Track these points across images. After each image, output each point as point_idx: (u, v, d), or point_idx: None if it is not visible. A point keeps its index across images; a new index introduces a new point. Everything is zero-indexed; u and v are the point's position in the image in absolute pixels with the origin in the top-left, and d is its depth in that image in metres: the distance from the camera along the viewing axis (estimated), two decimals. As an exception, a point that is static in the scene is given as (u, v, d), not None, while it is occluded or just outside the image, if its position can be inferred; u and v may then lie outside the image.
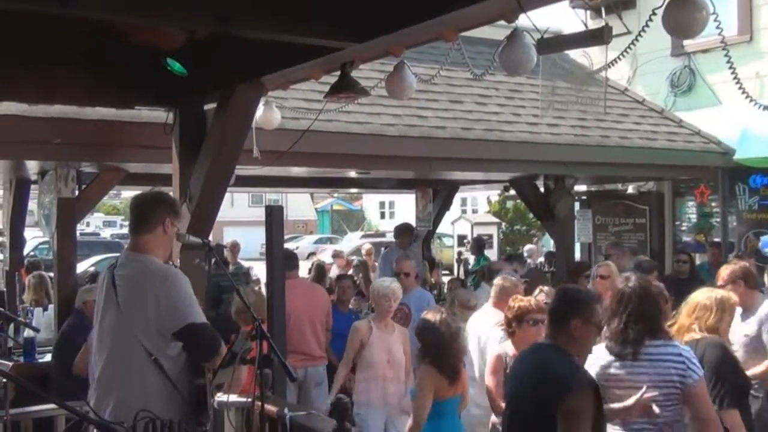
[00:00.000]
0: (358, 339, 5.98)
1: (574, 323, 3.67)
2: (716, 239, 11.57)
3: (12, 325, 7.07)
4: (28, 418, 4.72)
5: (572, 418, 3.44)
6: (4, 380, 4.22)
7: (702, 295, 4.65)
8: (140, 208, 3.98)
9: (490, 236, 23.57)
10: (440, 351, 4.90)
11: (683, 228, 12.85)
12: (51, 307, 7.99)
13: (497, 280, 6.04)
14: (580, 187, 12.97)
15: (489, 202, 28.40)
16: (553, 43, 4.21)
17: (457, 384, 4.93)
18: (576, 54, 10.30)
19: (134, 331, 3.72)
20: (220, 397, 4.50)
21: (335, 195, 47.17)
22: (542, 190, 10.48)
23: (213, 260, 4.09)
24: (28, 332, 6.93)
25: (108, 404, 3.73)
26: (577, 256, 12.22)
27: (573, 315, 3.69)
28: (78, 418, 2.51)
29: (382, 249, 14.68)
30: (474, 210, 36.64)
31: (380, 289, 6.12)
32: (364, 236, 36.65)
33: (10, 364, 6.49)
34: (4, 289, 9.11)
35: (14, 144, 6.15)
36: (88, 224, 43.14)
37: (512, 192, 12.42)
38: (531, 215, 20.42)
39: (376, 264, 12.34)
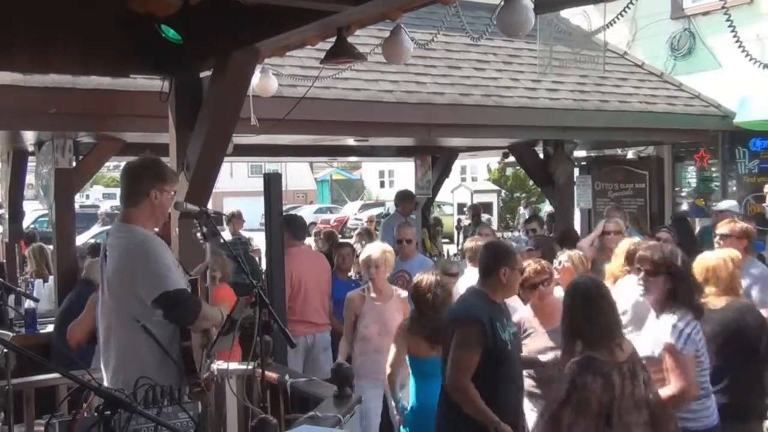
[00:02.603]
0: (352, 310, 5.93)
1: (502, 271, 4.33)
2: (722, 208, 11.48)
3: (13, 297, 7.07)
4: (30, 387, 4.74)
5: (456, 347, 4.19)
6: (5, 350, 4.22)
7: (707, 259, 4.66)
8: (127, 179, 3.98)
9: (491, 203, 23.55)
10: (428, 311, 4.95)
11: (683, 193, 12.83)
12: (51, 278, 8.01)
13: (467, 242, 6.30)
14: (580, 153, 12.94)
15: (488, 169, 28.36)
16: (552, 2, 4.17)
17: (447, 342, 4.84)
18: (575, 17, 10.20)
19: (121, 299, 3.80)
20: (221, 364, 4.54)
21: (334, 164, 47.12)
22: (541, 156, 10.44)
23: (208, 228, 4.06)
24: (29, 303, 6.95)
25: (109, 372, 3.79)
26: (577, 221, 12.21)
27: (501, 264, 4.34)
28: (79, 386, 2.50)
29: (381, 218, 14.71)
30: (473, 178, 36.55)
31: (364, 257, 6.09)
32: (363, 205, 36.64)
33: (12, 334, 6.50)
34: (4, 261, 9.12)
35: (9, 114, 6.11)
36: (87, 197, 43.14)
37: (511, 159, 12.39)
38: (531, 182, 20.40)
39: (376, 232, 12.35)
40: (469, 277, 5.87)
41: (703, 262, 4.64)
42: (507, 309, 4.65)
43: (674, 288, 4.04)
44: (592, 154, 13.56)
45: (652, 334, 4.08)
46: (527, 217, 13.61)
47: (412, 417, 4.95)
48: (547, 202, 13.02)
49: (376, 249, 6.07)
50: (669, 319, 3.99)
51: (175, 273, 3.82)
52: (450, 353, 4.24)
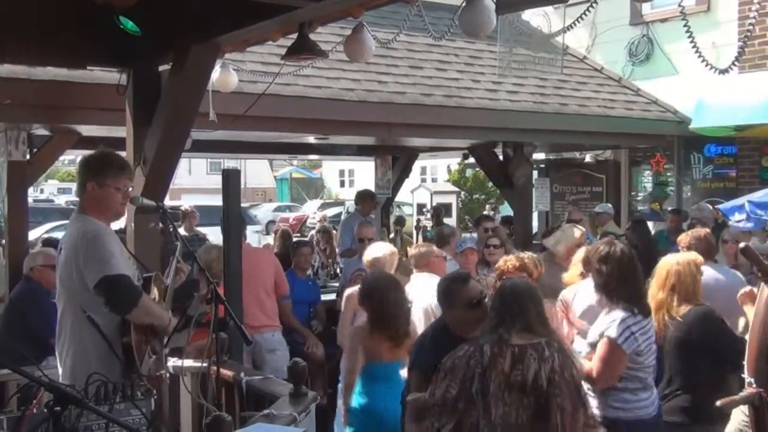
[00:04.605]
0: (351, 308, 5.84)
1: None
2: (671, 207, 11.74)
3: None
4: (-22, 383, 4.64)
5: None
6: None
7: (671, 263, 4.74)
8: (77, 171, 4.10)
9: (450, 204, 23.64)
10: (386, 312, 4.84)
11: (639, 197, 13.03)
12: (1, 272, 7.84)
13: (412, 249, 6.35)
14: (539, 156, 13.05)
15: (449, 170, 28.46)
16: (513, 2, 4.20)
17: (401, 348, 4.78)
18: (535, 17, 10.29)
19: (70, 288, 3.82)
20: (176, 362, 4.48)
21: (294, 163, 46.92)
22: (501, 158, 10.51)
23: (165, 224, 4.04)
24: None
25: (61, 365, 3.76)
26: (535, 224, 12.32)
27: None
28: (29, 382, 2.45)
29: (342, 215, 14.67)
30: (433, 179, 36.63)
31: (370, 258, 6.05)
32: (323, 204, 36.54)
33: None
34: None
35: (-40, 104, 5.97)
36: (42, 191, 42.38)
37: (471, 160, 12.44)
38: (490, 184, 20.51)
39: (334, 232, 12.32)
40: (416, 284, 5.82)
41: (666, 266, 4.74)
42: None
43: (608, 284, 4.25)
44: (551, 157, 13.70)
45: (599, 326, 4.26)
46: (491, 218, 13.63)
47: (359, 417, 4.85)
48: (506, 204, 13.09)
49: (383, 250, 6.10)
50: (618, 315, 4.17)
51: (119, 261, 3.81)
52: None
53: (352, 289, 6.05)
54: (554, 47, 9.79)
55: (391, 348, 4.78)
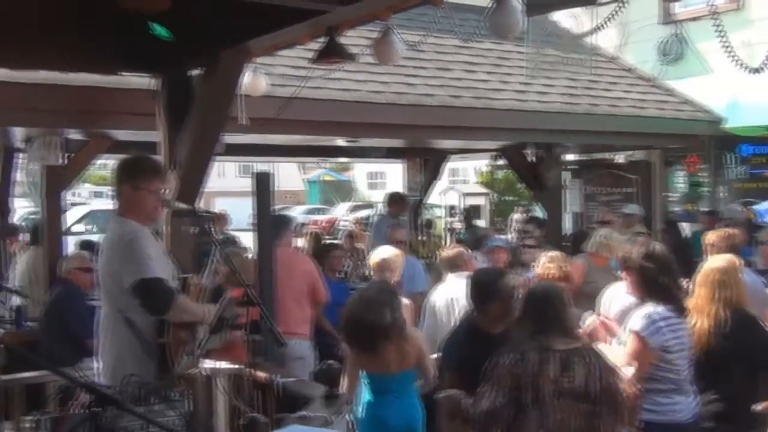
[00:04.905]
0: None
1: None
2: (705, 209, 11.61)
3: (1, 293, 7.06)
4: (19, 384, 4.72)
5: None
6: (-4, 346, 4.22)
7: (713, 269, 4.65)
8: (113, 174, 4.13)
9: (480, 206, 23.59)
10: (353, 326, 4.58)
11: (672, 198, 12.89)
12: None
13: (443, 252, 6.30)
14: (570, 157, 12.98)
15: (479, 172, 28.37)
16: (542, 4, 4.20)
17: (383, 358, 4.49)
18: (565, 19, 10.25)
19: (109, 290, 3.88)
20: (211, 363, 4.53)
21: (324, 165, 47.01)
22: (531, 159, 10.47)
23: (199, 227, 4.09)
24: (16, 300, 6.93)
25: (100, 364, 3.82)
26: (567, 226, 12.25)
27: None
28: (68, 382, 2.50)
29: (373, 218, 14.69)
30: (464, 180, 36.52)
31: (377, 260, 5.97)
32: (354, 207, 36.59)
33: (1, 330, 6.51)
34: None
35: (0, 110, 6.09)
36: (78, 195, 42.92)
37: (502, 161, 12.42)
38: (521, 185, 20.43)
39: (365, 233, 12.35)
40: (449, 285, 5.79)
41: (709, 272, 4.64)
42: None
43: (643, 282, 4.23)
44: (582, 158, 13.60)
45: (629, 322, 4.24)
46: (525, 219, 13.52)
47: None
48: (537, 206, 13.05)
49: (389, 252, 6.02)
50: (645, 309, 4.16)
51: (156, 264, 3.85)
52: None
53: None
54: (584, 47, 9.75)
55: (376, 358, 4.54)
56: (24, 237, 9.43)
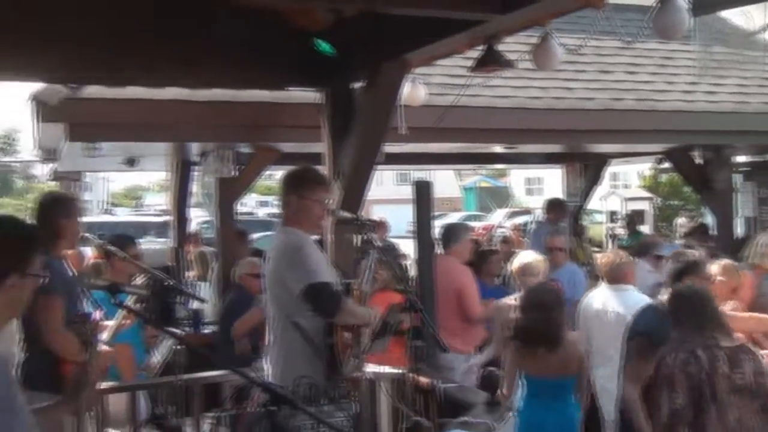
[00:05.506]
0: (500, 320, 5.79)
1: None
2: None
3: (180, 298, 7.52)
4: (198, 383, 5.02)
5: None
6: (177, 347, 4.53)
7: None
8: (280, 186, 4.30)
9: (643, 211, 22.75)
10: (523, 328, 4.66)
11: None
12: (214, 281, 8.47)
13: (604, 257, 5.93)
14: (741, 158, 12.30)
15: (641, 176, 27.38)
16: (710, 3, 4.03)
17: (549, 362, 4.55)
18: (736, 17, 9.72)
19: (277, 296, 4.04)
20: (374, 367, 4.66)
21: (481, 172, 46.93)
22: (699, 161, 10.01)
23: (362, 235, 4.23)
24: (194, 304, 7.37)
25: (271, 367, 4.02)
26: (739, 231, 11.59)
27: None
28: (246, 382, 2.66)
29: (531, 225, 14.51)
30: (625, 185, 35.39)
31: (519, 266, 5.93)
32: (511, 213, 36.25)
33: (182, 332, 6.94)
34: (171, 264, 9.73)
35: (178, 127, 6.55)
36: (244, 204, 44.95)
37: (666, 165, 11.95)
38: (687, 189, 19.55)
39: (522, 240, 12.21)
40: (602, 294, 5.55)
41: None
42: None
43: None
44: (755, 159, 12.83)
45: None
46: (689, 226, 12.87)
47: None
48: (705, 210, 12.45)
49: (531, 257, 5.96)
50: None
51: (322, 269, 4.01)
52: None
53: (501, 303, 5.96)
54: (757, 44, 9.22)
55: (538, 361, 4.57)
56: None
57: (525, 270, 5.83)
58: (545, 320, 4.51)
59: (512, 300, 5.84)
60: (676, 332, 3.76)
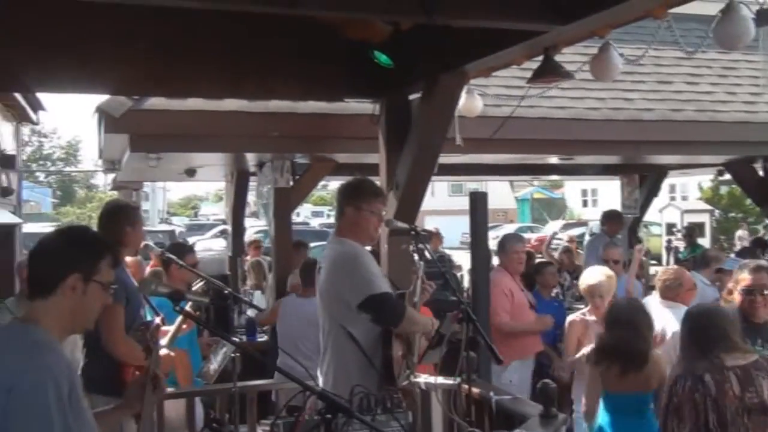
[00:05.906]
0: (575, 336, 5.66)
1: None
2: None
3: (236, 306, 7.64)
4: (253, 390, 5.09)
5: None
6: (233, 355, 4.60)
7: None
8: (336, 197, 4.34)
9: (703, 224, 22.32)
10: (613, 347, 4.53)
11: None
12: (268, 290, 8.57)
13: (664, 274, 5.76)
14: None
15: (700, 188, 26.87)
16: (776, 13, 3.95)
17: (632, 379, 4.42)
18: (801, 25, 9.48)
19: (331, 305, 4.06)
20: (428, 378, 4.66)
21: (535, 183, 46.53)
22: (761, 173, 9.79)
23: (417, 245, 4.24)
24: (249, 312, 7.48)
25: (323, 375, 4.05)
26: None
27: None
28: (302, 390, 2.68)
29: (586, 237, 14.35)
30: (684, 197, 34.76)
31: (587, 285, 5.74)
32: (565, 225, 35.88)
33: (237, 341, 7.03)
34: (229, 273, 9.86)
35: (236, 138, 6.67)
36: (298, 214, 45.38)
37: (727, 176, 11.72)
38: (748, 201, 19.11)
39: (578, 251, 12.08)
40: (653, 311, 5.20)
41: None
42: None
43: None
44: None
45: None
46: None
47: None
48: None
49: (599, 275, 5.75)
50: None
51: (380, 280, 4.02)
52: None
53: (574, 316, 5.85)
54: (824, 54, 8.97)
55: (623, 378, 4.46)
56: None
57: (593, 291, 5.68)
58: (635, 339, 4.43)
59: (583, 315, 5.75)
60: (681, 355, 3.76)
